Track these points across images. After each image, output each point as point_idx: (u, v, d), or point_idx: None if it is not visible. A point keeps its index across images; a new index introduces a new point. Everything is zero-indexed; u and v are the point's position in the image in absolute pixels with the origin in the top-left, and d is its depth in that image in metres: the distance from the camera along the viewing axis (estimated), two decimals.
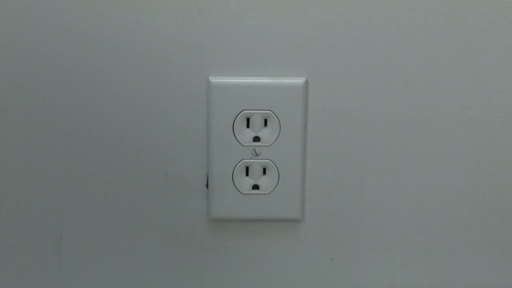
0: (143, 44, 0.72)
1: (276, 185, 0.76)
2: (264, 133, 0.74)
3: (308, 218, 0.78)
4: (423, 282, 0.80)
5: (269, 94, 0.73)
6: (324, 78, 0.74)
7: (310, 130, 0.75)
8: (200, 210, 0.77)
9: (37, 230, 0.78)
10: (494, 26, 0.72)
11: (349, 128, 0.75)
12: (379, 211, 0.77)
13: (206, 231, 0.78)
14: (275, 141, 0.74)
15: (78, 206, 0.77)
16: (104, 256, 0.79)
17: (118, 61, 0.73)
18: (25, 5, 0.71)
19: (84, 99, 0.74)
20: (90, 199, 0.77)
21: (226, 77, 0.73)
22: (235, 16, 0.72)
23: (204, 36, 0.72)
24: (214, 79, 0.73)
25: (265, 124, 0.74)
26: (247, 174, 0.76)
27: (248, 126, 0.74)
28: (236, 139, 0.74)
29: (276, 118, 0.74)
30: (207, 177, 0.76)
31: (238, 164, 0.75)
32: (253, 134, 0.74)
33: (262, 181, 0.76)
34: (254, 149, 0.75)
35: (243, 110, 0.74)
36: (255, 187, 0.76)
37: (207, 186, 0.76)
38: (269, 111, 0.74)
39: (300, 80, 0.73)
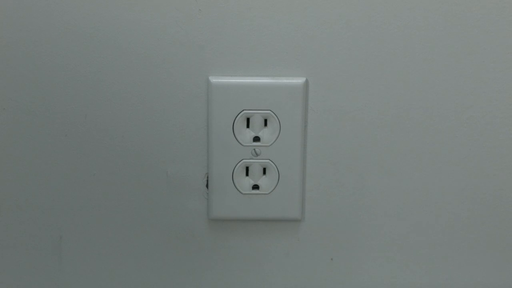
0: (143, 44, 0.72)
1: (276, 185, 0.76)
2: (264, 133, 0.74)
3: (308, 218, 0.78)
4: (423, 282, 0.80)
5: (269, 94, 0.73)
6: (324, 78, 0.74)
7: (310, 130, 0.75)
8: (200, 210, 0.77)
9: (37, 230, 0.78)
10: (494, 26, 0.72)
11: (349, 128, 0.75)
12: (379, 211, 0.77)
13: (206, 231, 0.78)
14: (275, 141, 0.74)
15: (78, 206, 0.77)
16: (104, 256, 0.79)
17: (118, 61, 0.73)
18: (25, 5, 0.71)
19: (84, 99, 0.74)
20: (90, 199, 0.77)
21: (226, 77, 0.73)
22: (235, 16, 0.72)
23: (204, 36, 0.72)
24: (214, 79, 0.73)
25: (265, 124, 0.74)
26: (247, 174, 0.76)
27: (248, 126, 0.74)
28: (236, 139, 0.74)
29: (276, 118, 0.74)
30: (207, 177, 0.76)
31: (238, 164, 0.75)
32: (253, 134, 0.74)
33: (262, 181, 0.76)
34: (254, 149, 0.75)
35: (243, 110, 0.74)
36: (255, 187, 0.76)
37: (207, 186, 0.76)
38: (269, 111, 0.74)
39: (300, 80, 0.73)
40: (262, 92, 0.73)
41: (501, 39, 0.72)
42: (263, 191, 0.76)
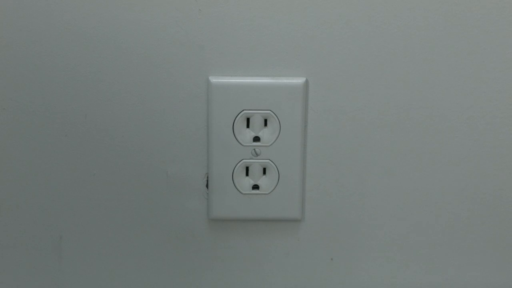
0: (143, 44, 0.72)
1: (276, 185, 0.76)
2: (264, 133, 0.74)
3: (308, 218, 0.78)
4: (423, 282, 0.80)
5: (269, 94, 0.73)
6: (324, 78, 0.74)
7: (310, 130, 0.75)
8: (200, 210, 0.77)
9: (37, 230, 0.78)
10: (494, 26, 0.72)
11: (349, 128, 0.75)
12: (379, 211, 0.77)
13: (206, 231, 0.78)
14: (275, 141, 0.74)
15: (78, 206, 0.77)
16: (104, 256, 0.79)
17: (118, 61, 0.73)
18: (25, 5, 0.71)
19: (84, 99, 0.74)
20: (90, 199, 0.77)
21: (226, 77, 0.73)
22: (235, 16, 0.72)
23: (204, 36, 0.72)
24: (214, 79, 0.73)
25: (265, 124, 0.74)
26: (247, 174, 0.76)
27: (248, 126, 0.74)
28: (236, 139, 0.74)
29: (276, 118, 0.74)
30: (207, 177, 0.76)
31: (238, 164, 0.75)
32: (253, 134, 0.74)
33: (262, 181, 0.76)
34: (254, 149, 0.75)
35: (243, 110, 0.74)
36: (255, 187, 0.76)
37: (207, 186, 0.76)
38: (269, 111, 0.74)
39: (300, 80, 0.73)
40: (262, 92, 0.73)
41: (501, 39, 0.72)
42: (263, 191, 0.76)
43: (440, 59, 0.73)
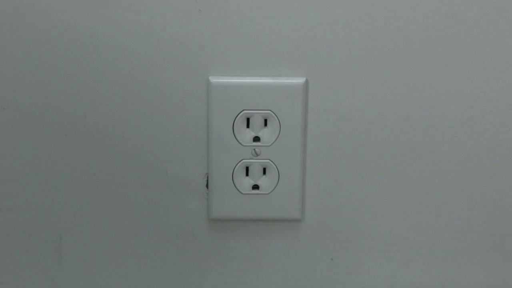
0: (143, 44, 0.72)
1: (276, 185, 0.76)
2: (264, 133, 0.74)
3: (308, 218, 0.78)
4: (423, 282, 0.80)
5: (269, 94, 0.73)
6: (324, 78, 0.74)
7: (310, 130, 0.75)
8: (200, 210, 0.77)
9: (37, 230, 0.78)
10: (494, 26, 0.72)
11: (349, 128, 0.75)
12: (379, 211, 0.77)
13: (206, 231, 0.78)
14: (275, 141, 0.74)
15: (78, 206, 0.77)
16: (104, 256, 0.79)
17: (118, 61, 0.73)
18: (25, 5, 0.71)
19: (84, 99, 0.74)
20: (90, 199, 0.77)
21: (226, 77, 0.73)
22: (235, 16, 0.72)
23: (204, 36, 0.72)
24: (214, 79, 0.73)
25: (265, 124, 0.74)
26: (247, 174, 0.76)
27: (248, 126, 0.74)
28: (236, 139, 0.74)
29: (276, 118, 0.74)
30: (207, 177, 0.76)
31: (238, 164, 0.75)
32: (253, 134, 0.74)
33: (262, 181, 0.76)
34: (254, 149, 0.75)
35: (243, 110, 0.74)
36: (255, 187, 0.76)
37: (207, 186, 0.76)
38: (269, 111, 0.74)
39: (300, 80, 0.73)
40: (262, 92, 0.73)
41: (501, 39, 0.72)
42: (263, 191, 0.76)
43: (440, 59, 0.73)
